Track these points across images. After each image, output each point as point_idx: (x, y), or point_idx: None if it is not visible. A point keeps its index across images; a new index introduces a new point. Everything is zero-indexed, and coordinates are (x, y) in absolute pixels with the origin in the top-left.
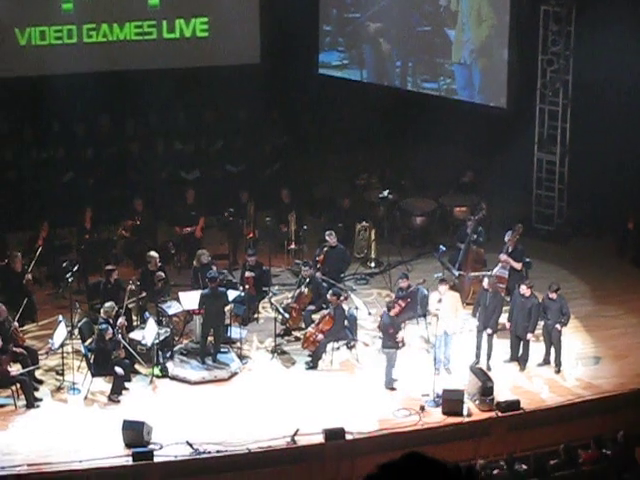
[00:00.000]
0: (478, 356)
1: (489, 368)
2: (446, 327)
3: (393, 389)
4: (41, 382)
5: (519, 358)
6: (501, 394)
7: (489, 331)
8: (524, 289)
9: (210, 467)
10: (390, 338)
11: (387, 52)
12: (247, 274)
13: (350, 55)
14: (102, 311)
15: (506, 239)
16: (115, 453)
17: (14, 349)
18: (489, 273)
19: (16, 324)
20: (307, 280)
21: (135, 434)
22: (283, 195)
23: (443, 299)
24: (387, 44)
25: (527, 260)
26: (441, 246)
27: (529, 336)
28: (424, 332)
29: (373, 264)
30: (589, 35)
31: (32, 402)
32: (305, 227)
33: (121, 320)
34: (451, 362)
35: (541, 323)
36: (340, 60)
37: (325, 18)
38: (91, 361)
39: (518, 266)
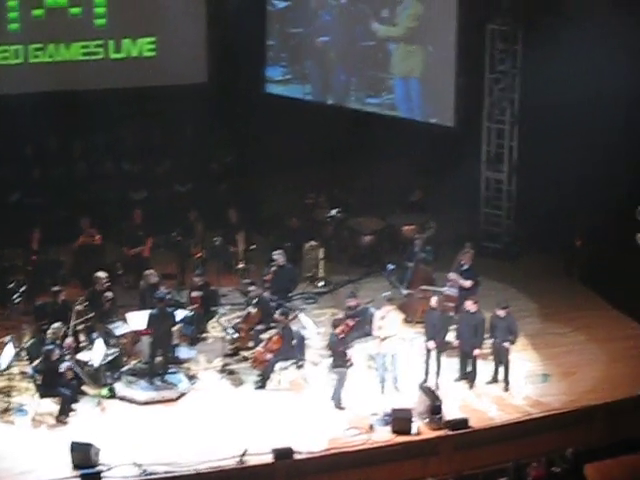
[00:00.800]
0: (427, 374)
1: (438, 386)
2: (390, 347)
3: (342, 408)
4: None
5: (468, 376)
6: (450, 412)
7: (438, 349)
8: (470, 305)
9: None
10: (340, 357)
11: (331, 66)
12: (194, 294)
13: (293, 70)
14: (49, 332)
15: (460, 259)
16: (63, 475)
17: None
18: (439, 289)
19: None
20: (255, 300)
21: (83, 455)
22: (231, 214)
23: (387, 318)
24: (331, 59)
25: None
26: (389, 265)
27: (476, 352)
28: (371, 351)
29: (321, 283)
30: (535, 54)
31: None
32: (253, 246)
33: (68, 341)
34: (399, 381)
35: (490, 341)
36: (283, 75)
37: (269, 33)
38: (38, 382)
39: (467, 284)
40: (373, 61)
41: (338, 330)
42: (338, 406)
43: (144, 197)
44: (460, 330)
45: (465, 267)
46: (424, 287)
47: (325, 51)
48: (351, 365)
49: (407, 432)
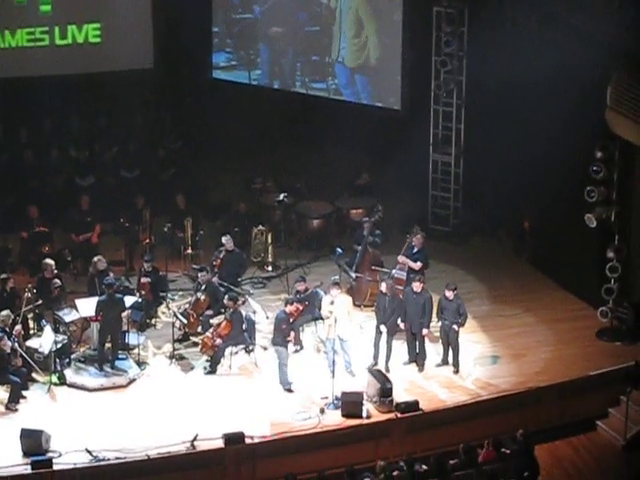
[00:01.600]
0: (376, 358)
1: (388, 370)
2: (339, 331)
3: (290, 391)
4: None
5: (417, 358)
6: (400, 395)
7: (388, 333)
8: (416, 285)
9: (110, 474)
10: (280, 335)
11: (278, 52)
12: (143, 280)
13: (238, 56)
14: None
15: (411, 241)
16: (13, 462)
17: None
18: (388, 270)
19: None
20: (204, 285)
21: (33, 442)
22: (178, 200)
23: (335, 302)
24: (278, 44)
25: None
26: (338, 249)
27: (425, 331)
28: (321, 335)
29: (270, 268)
30: (482, 36)
31: None
32: (201, 232)
33: (17, 328)
34: (352, 365)
35: (439, 324)
36: (228, 61)
37: (214, 20)
38: None
39: (416, 266)
40: (318, 46)
41: (288, 309)
42: (286, 387)
43: (91, 183)
44: (407, 311)
45: (415, 250)
46: (374, 267)
47: (272, 36)
48: (301, 349)
49: (358, 415)
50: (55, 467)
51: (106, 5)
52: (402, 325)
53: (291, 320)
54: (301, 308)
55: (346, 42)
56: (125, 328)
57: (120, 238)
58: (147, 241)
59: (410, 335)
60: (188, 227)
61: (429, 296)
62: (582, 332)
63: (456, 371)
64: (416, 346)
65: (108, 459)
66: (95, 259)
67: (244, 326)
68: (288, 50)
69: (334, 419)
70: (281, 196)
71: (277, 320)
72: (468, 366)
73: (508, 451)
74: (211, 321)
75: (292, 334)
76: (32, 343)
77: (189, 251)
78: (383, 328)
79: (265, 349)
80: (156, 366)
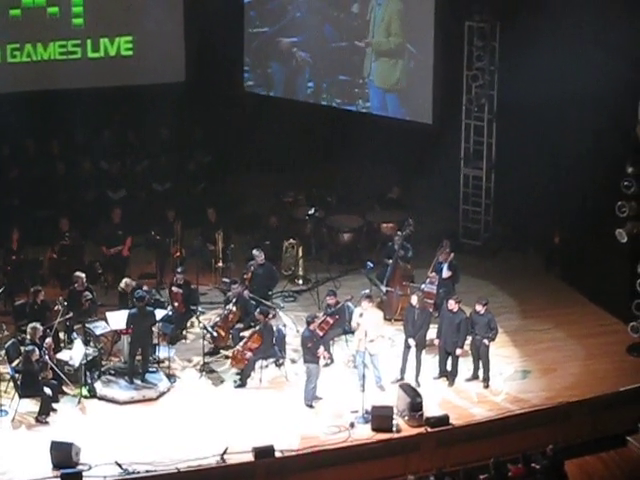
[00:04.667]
0: (403, 371)
1: (418, 384)
2: (369, 345)
3: (311, 406)
4: None
5: (448, 373)
6: (430, 410)
7: (417, 347)
8: (452, 304)
9: None
10: (309, 352)
11: (299, 70)
12: (175, 289)
13: (254, 75)
14: (28, 332)
15: (439, 258)
16: (44, 474)
17: None
18: (418, 285)
19: None
20: (235, 298)
21: (63, 455)
22: (209, 214)
23: (365, 315)
24: (299, 61)
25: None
26: (368, 262)
27: (458, 351)
28: (351, 349)
29: (301, 281)
30: (513, 51)
31: None
32: (232, 245)
33: (48, 341)
34: (382, 379)
35: (470, 338)
36: (245, 81)
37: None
38: (18, 382)
39: (447, 274)
40: (346, 64)
41: (312, 327)
42: (308, 403)
43: (123, 196)
44: (442, 329)
45: (443, 265)
46: (405, 283)
47: (292, 53)
48: (331, 362)
49: (388, 429)
50: None
51: (138, 18)
52: (436, 342)
53: (321, 334)
54: (331, 322)
55: (377, 59)
56: (156, 341)
57: (151, 251)
58: (178, 254)
59: (443, 352)
60: (219, 240)
61: (465, 316)
62: (612, 347)
63: (486, 386)
64: (448, 363)
65: (138, 472)
66: (122, 284)
67: (274, 339)
68: (312, 69)
69: (364, 433)
70: (312, 210)
71: (302, 339)
72: (498, 381)
73: (538, 466)
74: (242, 334)
75: (321, 349)
76: (62, 356)
77: (220, 264)
78: (411, 342)
79: (294, 362)
80: (186, 379)
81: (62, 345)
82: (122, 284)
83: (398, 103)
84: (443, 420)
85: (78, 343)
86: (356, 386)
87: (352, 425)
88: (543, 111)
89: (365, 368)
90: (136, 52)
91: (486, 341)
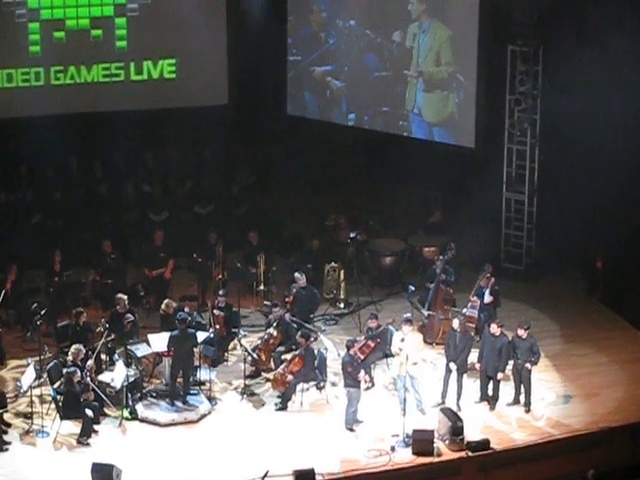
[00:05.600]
0: (444, 396)
1: (459, 408)
2: (410, 369)
3: (352, 430)
4: (9, 425)
5: (489, 398)
6: (471, 434)
7: (458, 371)
8: (494, 328)
9: None
10: (349, 377)
11: (334, 101)
12: (217, 312)
13: (292, 106)
14: (70, 354)
15: (480, 283)
16: None
17: None
18: (459, 310)
19: None
20: (276, 321)
21: (104, 477)
22: (251, 236)
23: (406, 339)
24: (334, 90)
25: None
26: (410, 286)
27: (500, 375)
28: (392, 372)
29: (342, 305)
30: (556, 75)
31: (0, 446)
32: (274, 268)
33: (90, 363)
34: (423, 403)
35: (511, 362)
36: (287, 104)
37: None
38: (60, 404)
39: (489, 299)
40: (389, 96)
41: (352, 351)
42: (348, 427)
43: (165, 219)
44: (483, 353)
45: (485, 290)
46: (446, 307)
47: (329, 83)
48: (372, 386)
49: (428, 454)
50: None
51: (181, 41)
52: (477, 366)
53: (362, 358)
54: (372, 345)
55: (428, 90)
56: (197, 363)
57: (193, 274)
58: (220, 277)
59: (484, 376)
60: (261, 263)
61: (507, 341)
62: None
63: (528, 410)
64: (489, 387)
65: None
66: (164, 306)
67: (316, 363)
68: (351, 99)
69: (405, 457)
70: (354, 233)
71: (342, 364)
72: (540, 405)
73: None
74: (283, 357)
75: (362, 373)
76: (104, 377)
77: (261, 287)
78: (453, 366)
79: (334, 385)
80: (227, 402)
81: (104, 367)
82: (164, 306)
83: (445, 134)
84: (484, 444)
85: (120, 365)
86: (397, 410)
87: (393, 449)
88: (585, 135)
89: (406, 392)
90: (179, 75)
91: (528, 365)
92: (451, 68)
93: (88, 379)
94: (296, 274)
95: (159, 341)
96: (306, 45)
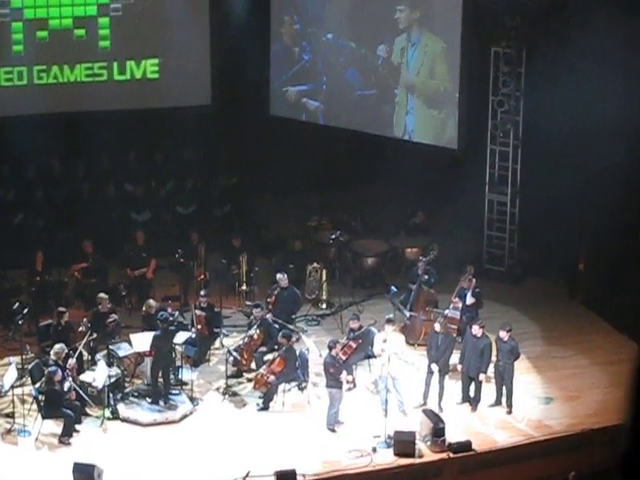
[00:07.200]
0: (426, 397)
1: (440, 409)
2: (392, 370)
3: (333, 431)
4: None
5: (471, 399)
6: (453, 435)
7: (440, 372)
8: (476, 329)
9: None
10: (331, 377)
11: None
12: (198, 312)
13: (275, 107)
14: (52, 353)
15: (462, 285)
16: None
17: None
18: (441, 311)
19: None
20: (258, 322)
21: (86, 477)
22: (234, 237)
23: (388, 340)
24: (312, 113)
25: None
26: (392, 287)
27: (481, 377)
28: (374, 373)
29: (324, 305)
30: (539, 76)
31: None
32: (256, 268)
33: (71, 362)
34: (405, 405)
35: (492, 364)
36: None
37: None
38: (41, 403)
39: (470, 301)
40: (376, 117)
41: (334, 352)
42: (330, 427)
43: (147, 219)
44: (465, 354)
45: (467, 292)
46: (428, 309)
47: (305, 104)
48: (354, 387)
49: (410, 455)
50: None
51: (165, 41)
52: (459, 367)
53: (344, 359)
54: (354, 346)
55: (420, 110)
56: (178, 363)
57: (175, 274)
58: (202, 277)
59: (466, 377)
60: (243, 263)
61: (489, 342)
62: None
63: (509, 412)
64: (471, 388)
65: None
66: (146, 306)
67: (297, 363)
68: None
69: (386, 458)
70: (336, 234)
71: (324, 364)
72: (521, 407)
73: None
74: (265, 358)
75: (344, 374)
76: (86, 377)
77: (244, 287)
78: (434, 367)
79: (316, 385)
80: (209, 402)
81: (86, 367)
82: (145, 306)
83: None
84: (466, 446)
85: (101, 365)
86: (379, 411)
87: (374, 450)
88: (568, 137)
89: (388, 393)
90: (162, 75)
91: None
92: (446, 84)
93: (70, 379)
94: (278, 275)
95: (141, 341)
96: (278, 62)
